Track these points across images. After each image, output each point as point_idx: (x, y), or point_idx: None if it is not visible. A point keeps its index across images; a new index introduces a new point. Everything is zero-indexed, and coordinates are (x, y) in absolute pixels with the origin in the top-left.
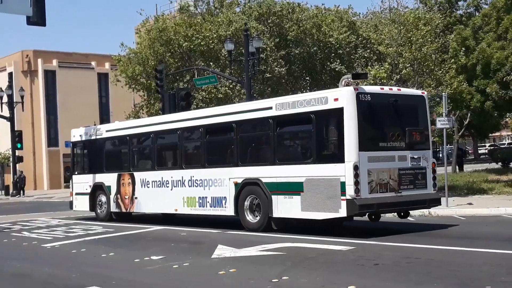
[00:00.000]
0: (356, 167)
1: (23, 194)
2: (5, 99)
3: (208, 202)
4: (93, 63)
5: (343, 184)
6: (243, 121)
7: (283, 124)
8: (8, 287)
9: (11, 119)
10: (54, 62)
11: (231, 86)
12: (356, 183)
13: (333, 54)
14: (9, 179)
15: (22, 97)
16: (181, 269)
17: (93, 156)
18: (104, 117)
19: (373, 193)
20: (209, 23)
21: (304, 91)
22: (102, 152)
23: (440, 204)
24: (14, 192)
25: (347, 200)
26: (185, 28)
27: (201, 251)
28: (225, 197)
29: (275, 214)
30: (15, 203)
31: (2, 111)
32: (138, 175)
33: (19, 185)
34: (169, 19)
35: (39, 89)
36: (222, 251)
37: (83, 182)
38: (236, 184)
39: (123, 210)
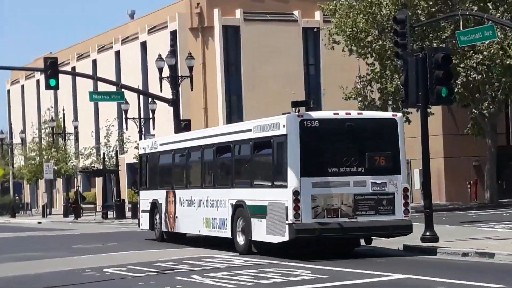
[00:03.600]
0: (296, 193)
1: None
2: (165, 72)
3: (217, 223)
4: (296, 14)
5: (287, 209)
6: (239, 141)
7: (257, 147)
8: None
9: (174, 103)
10: (238, 14)
11: None
12: (296, 208)
13: None
14: None
15: (190, 69)
16: None
17: (151, 171)
18: (313, 97)
19: (318, 218)
20: None
21: None
22: (156, 167)
23: (411, 232)
24: None
25: (289, 224)
26: None
27: None
28: (226, 219)
29: (253, 237)
30: None
31: (161, 91)
32: (178, 193)
33: None
34: None
35: (215, 56)
36: None
37: (145, 198)
38: (232, 205)
39: (170, 229)
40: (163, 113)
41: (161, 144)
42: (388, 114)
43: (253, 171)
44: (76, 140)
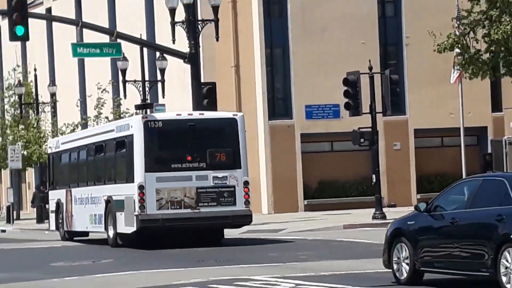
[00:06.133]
0: (141, 187)
1: None
2: (179, 15)
3: (97, 219)
4: None
5: (134, 202)
6: (107, 141)
7: (118, 146)
8: None
9: (192, 59)
10: None
11: None
12: (141, 200)
13: None
14: None
15: (215, 9)
16: None
17: (56, 171)
18: (391, 48)
19: (162, 210)
20: None
21: None
22: (60, 167)
23: (250, 221)
24: None
25: (136, 215)
26: None
27: None
28: (102, 214)
29: (118, 229)
30: None
31: (174, 42)
32: (73, 192)
33: None
34: None
35: None
36: None
37: (53, 198)
38: (104, 201)
39: (68, 228)
40: (177, 74)
41: (62, 143)
42: (228, 114)
43: (117, 168)
44: (54, 113)
